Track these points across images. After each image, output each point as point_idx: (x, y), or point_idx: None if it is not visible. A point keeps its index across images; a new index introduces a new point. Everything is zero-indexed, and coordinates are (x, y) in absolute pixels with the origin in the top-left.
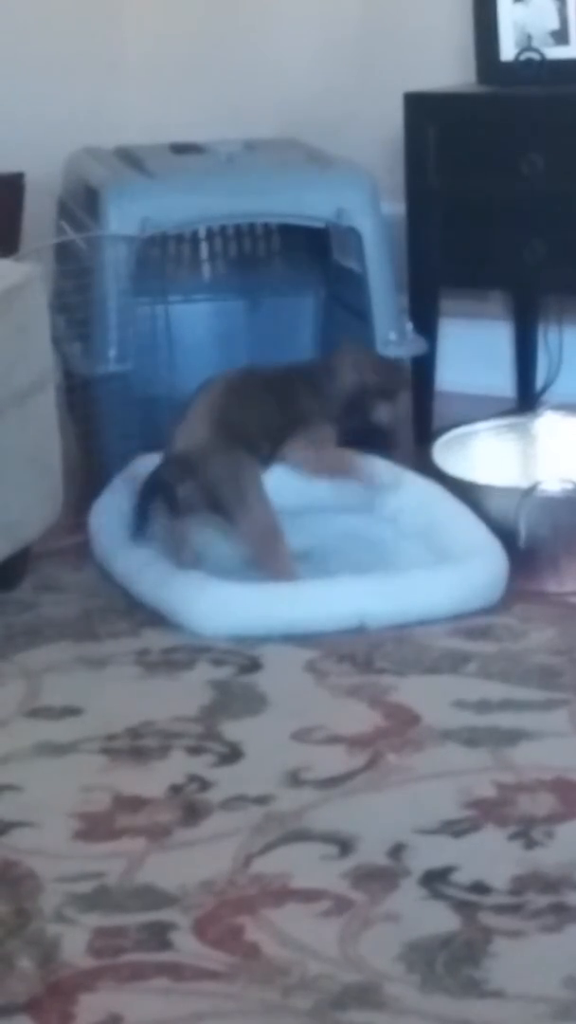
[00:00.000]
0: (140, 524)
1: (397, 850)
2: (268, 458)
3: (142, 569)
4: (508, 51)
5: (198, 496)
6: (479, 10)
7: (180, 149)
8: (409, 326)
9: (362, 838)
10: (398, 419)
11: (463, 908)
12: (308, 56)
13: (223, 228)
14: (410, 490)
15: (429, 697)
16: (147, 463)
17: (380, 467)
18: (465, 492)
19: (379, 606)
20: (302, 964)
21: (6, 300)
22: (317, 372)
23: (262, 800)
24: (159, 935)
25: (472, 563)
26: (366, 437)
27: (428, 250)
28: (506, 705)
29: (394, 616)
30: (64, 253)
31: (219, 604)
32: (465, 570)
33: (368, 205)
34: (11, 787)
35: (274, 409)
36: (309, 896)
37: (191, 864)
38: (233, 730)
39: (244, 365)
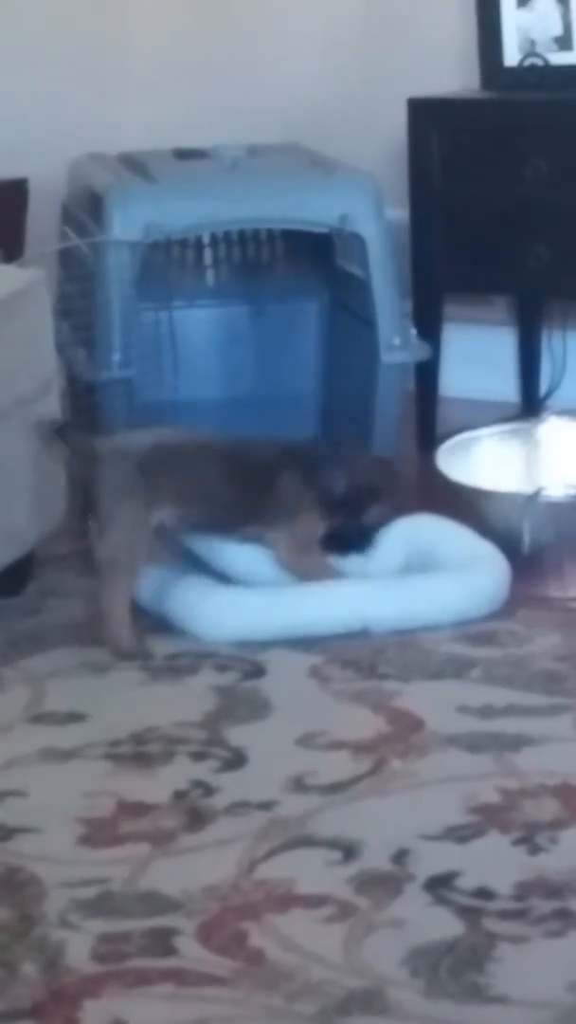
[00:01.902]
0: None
1: (401, 855)
2: (205, 524)
3: (145, 576)
4: (512, 57)
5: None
6: (483, 15)
7: (184, 155)
8: (413, 331)
9: (366, 843)
10: (388, 519)
11: (467, 914)
12: (312, 62)
13: (227, 234)
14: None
15: (433, 703)
16: None
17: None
18: (469, 498)
19: (382, 611)
20: (306, 969)
21: (10, 306)
22: (317, 462)
23: (266, 806)
24: (163, 941)
25: (476, 570)
26: (350, 534)
27: (432, 255)
28: (510, 711)
29: (397, 622)
30: (68, 259)
31: (222, 610)
32: (468, 577)
33: (372, 210)
34: (15, 792)
35: (236, 487)
36: (313, 902)
37: (195, 870)
38: (237, 736)
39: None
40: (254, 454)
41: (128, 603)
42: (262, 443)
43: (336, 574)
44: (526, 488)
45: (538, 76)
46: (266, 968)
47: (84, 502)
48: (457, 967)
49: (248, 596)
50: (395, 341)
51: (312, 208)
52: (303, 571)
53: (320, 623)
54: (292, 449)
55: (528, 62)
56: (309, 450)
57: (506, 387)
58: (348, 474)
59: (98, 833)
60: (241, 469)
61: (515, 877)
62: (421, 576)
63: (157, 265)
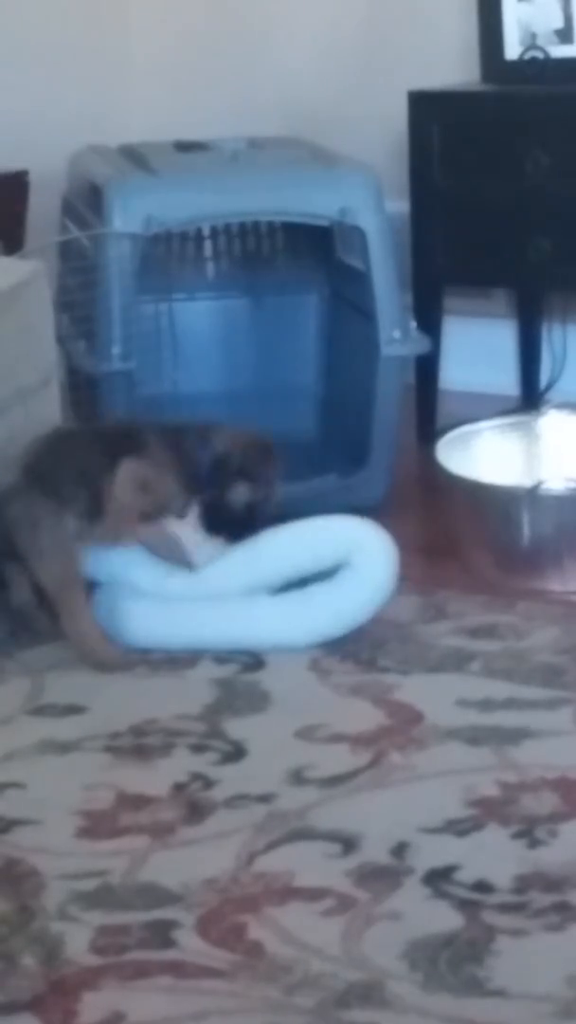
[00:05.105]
0: None
1: (400, 849)
2: (92, 510)
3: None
4: (512, 50)
5: (1, 539)
6: (484, 9)
7: (184, 147)
8: (413, 324)
9: (365, 836)
10: (260, 506)
11: (466, 907)
12: (313, 54)
13: (227, 226)
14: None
15: (432, 696)
16: None
17: (197, 548)
18: (468, 491)
19: (285, 628)
20: (305, 962)
21: (10, 298)
22: (184, 433)
23: (265, 798)
24: (162, 933)
25: (364, 569)
26: (218, 515)
27: (432, 248)
28: (510, 704)
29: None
30: (68, 251)
31: (136, 620)
32: (358, 578)
33: (372, 203)
34: (15, 784)
35: (101, 462)
36: (312, 894)
37: (194, 862)
38: (236, 728)
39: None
40: (117, 430)
41: (91, 615)
42: (126, 421)
43: (174, 541)
44: (526, 481)
45: (539, 69)
46: (265, 961)
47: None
48: (456, 960)
49: (149, 607)
50: (395, 334)
51: (312, 201)
52: (141, 540)
53: (221, 638)
54: (157, 425)
55: (529, 55)
56: (177, 426)
57: (506, 380)
58: (216, 448)
59: (97, 825)
60: (106, 446)
61: (514, 870)
62: (322, 588)
63: (157, 257)
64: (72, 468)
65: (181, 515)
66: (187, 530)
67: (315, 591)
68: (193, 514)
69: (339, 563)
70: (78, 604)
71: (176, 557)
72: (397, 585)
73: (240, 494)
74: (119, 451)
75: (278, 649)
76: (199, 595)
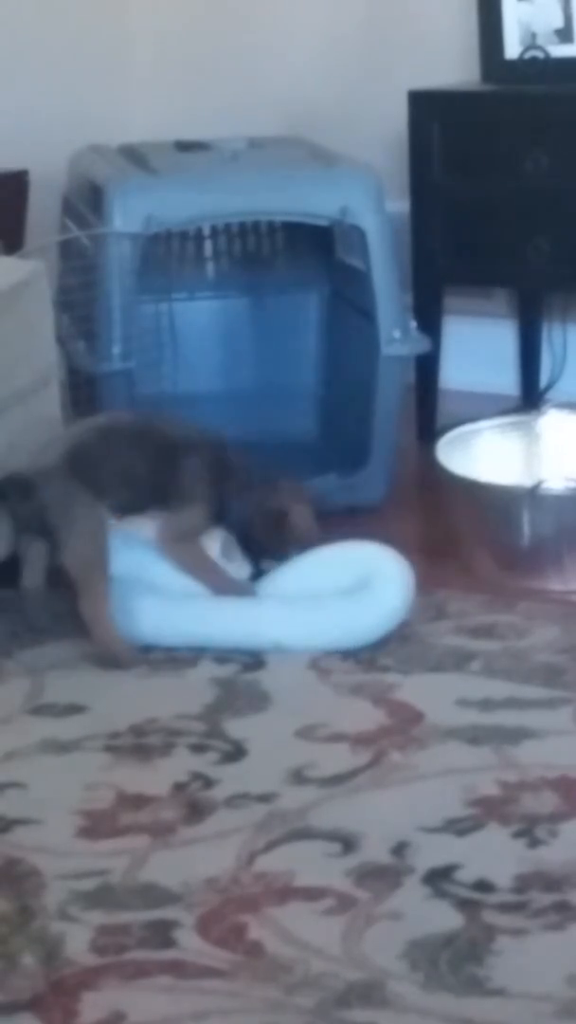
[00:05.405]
0: None
1: (400, 848)
2: (127, 507)
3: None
4: (512, 49)
5: (31, 516)
6: (484, 8)
7: (185, 147)
8: (413, 324)
9: (365, 836)
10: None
11: (466, 906)
12: (313, 54)
13: (227, 226)
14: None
15: (433, 695)
16: None
17: (233, 582)
18: (469, 490)
19: (292, 631)
20: (305, 962)
21: (10, 297)
22: (232, 472)
23: (265, 798)
24: (162, 933)
25: (380, 592)
26: (272, 535)
27: (432, 248)
28: (510, 703)
29: (307, 643)
30: (68, 250)
31: (145, 616)
32: (373, 599)
33: (372, 203)
34: (15, 784)
35: (146, 465)
36: (312, 894)
37: (194, 862)
38: (237, 728)
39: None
40: (166, 436)
41: (109, 607)
42: (174, 425)
43: (212, 573)
44: (526, 481)
45: (539, 69)
46: (265, 960)
47: (29, 535)
48: (456, 960)
49: (158, 604)
50: (395, 334)
51: (312, 200)
52: (178, 560)
53: (228, 637)
54: (202, 435)
55: (529, 55)
56: (221, 442)
57: (506, 380)
58: (263, 502)
59: (98, 825)
60: (152, 447)
61: (514, 870)
62: (334, 599)
63: (157, 257)
64: (117, 467)
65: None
66: (215, 552)
67: (327, 601)
68: (220, 537)
69: (358, 586)
70: (99, 590)
71: (209, 586)
72: (407, 612)
73: (283, 544)
74: (167, 460)
75: (280, 652)
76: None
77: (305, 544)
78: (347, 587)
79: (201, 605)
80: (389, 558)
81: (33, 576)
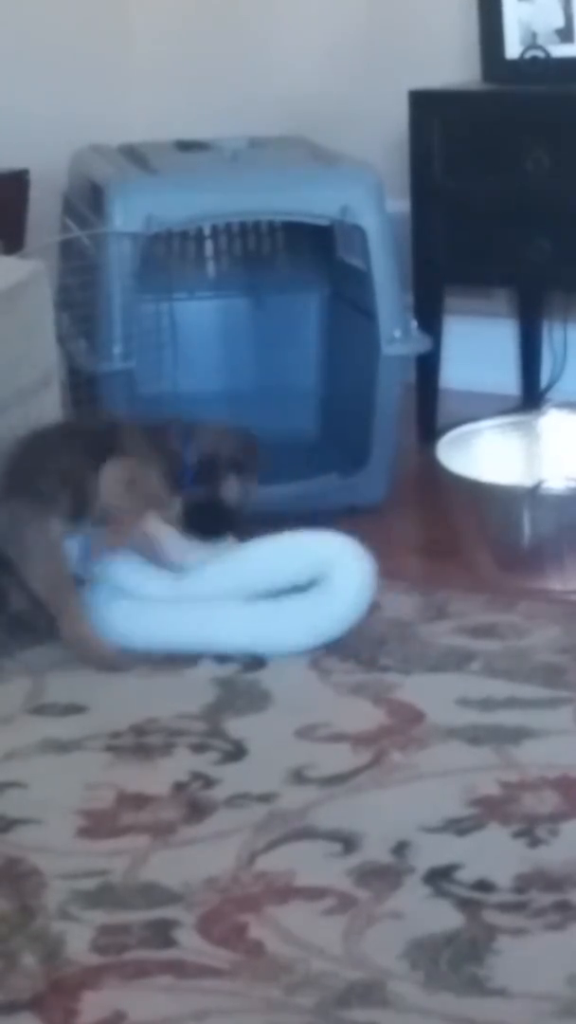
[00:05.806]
0: None
1: (401, 848)
2: (77, 511)
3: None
4: (513, 49)
5: None
6: (484, 8)
7: (185, 146)
8: (413, 324)
9: (366, 836)
10: (248, 499)
11: (467, 906)
12: (313, 54)
13: (228, 225)
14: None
15: (433, 695)
16: None
17: (182, 549)
18: (469, 490)
19: (270, 633)
20: (306, 962)
21: (11, 297)
22: (166, 431)
23: (266, 798)
24: (163, 932)
25: (340, 587)
26: (208, 512)
27: (433, 248)
28: (510, 703)
29: (286, 645)
30: (69, 250)
31: (118, 620)
32: (334, 595)
33: (373, 203)
34: (15, 784)
35: (82, 461)
36: (313, 894)
37: (195, 861)
38: (237, 727)
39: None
40: (95, 428)
41: (85, 616)
42: (102, 418)
43: (158, 541)
44: (527, 481)
45: (539, 68)
46: (266, 960)
47: None
48: (457, 959)
49: (130, 607)
50: (396, 333)
51: (313, 200)
52: (126, 508)
53: (193, 641)
54: (135, 422)
55: (529, 54)
56: (155, 423)
57: (507, 379)
58: (202, 446)
59: (98, 825)
60: (85, 444)
61: (515, 869)
62: (294, 600)
63: (158, 257)
64: (52, 469)
65: (166, 513)
66: (168, 529)
67: (288, 602)
68: (174, 513)
69: (317, 577)
70: (71, 605)
71: (158, 557)
72: (370, 604)
73: (232, 490)
74: (99, 449)
75: (244, 654)
76: (177, 599)
77: (242, 517)
78: (306, 576)
79: (164, 609)
80: (348, 548)
81: (18, 602)
